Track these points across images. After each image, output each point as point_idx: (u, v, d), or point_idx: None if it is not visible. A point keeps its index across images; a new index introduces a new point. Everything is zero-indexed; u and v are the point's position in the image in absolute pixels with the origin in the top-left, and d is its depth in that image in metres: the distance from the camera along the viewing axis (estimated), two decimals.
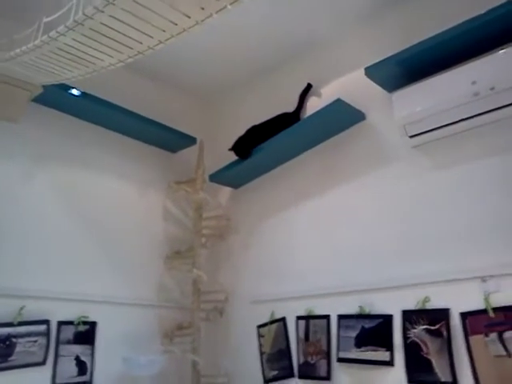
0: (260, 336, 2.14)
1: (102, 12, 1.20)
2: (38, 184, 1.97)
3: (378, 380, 1.71)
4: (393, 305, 1.72)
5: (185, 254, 2.32)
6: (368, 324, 1.77)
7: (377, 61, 1.80)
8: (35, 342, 1.78)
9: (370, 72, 1.84)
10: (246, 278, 2.31)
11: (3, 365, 1.69)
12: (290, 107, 2.24)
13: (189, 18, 1.22)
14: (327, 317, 1.91)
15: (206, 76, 2.54)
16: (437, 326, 1.59)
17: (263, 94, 2.51)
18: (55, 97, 1.97)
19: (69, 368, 1.87)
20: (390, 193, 1.87)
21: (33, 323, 1.79)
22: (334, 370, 1.84)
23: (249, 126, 2.28)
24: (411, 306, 1.67)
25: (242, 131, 2.28)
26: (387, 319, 1.73)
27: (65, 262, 1.97)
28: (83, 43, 1.34)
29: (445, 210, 1.71)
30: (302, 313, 1.99)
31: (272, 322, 2.10)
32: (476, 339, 1.50)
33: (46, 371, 1.80)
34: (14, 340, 1.73)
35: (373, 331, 1.75)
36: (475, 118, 1.62)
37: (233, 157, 2.29)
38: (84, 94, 2.02)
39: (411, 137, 1.77)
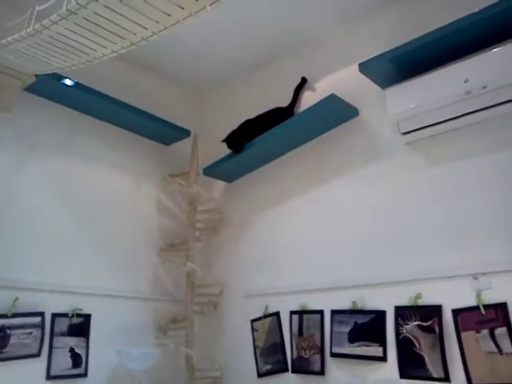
0: (254, 330, 2.15)
1: (96, 1, 1.19)
2: (30, 174, 1.95)
3: (371, 375, 1.72)
4: (385, 301, 1.72)
5: (179, 247, 2.32)
6: (361, 319, 1.78)
7: (371, 57, 1.79)
8: (30, 333, 1.77)
9: (364, 68, 1.84)
10: (239, 272, 2.31)
11: None
12: (285, 101, 2.23)
13: (182, 9, 1.21)
14: (321, 312, 1.91)
15: (200, 69, 2.52)
16: (429, 323, 1.60)
17: (258, 88, 2.49)
18: (48, 86, 1.95)
19: (63, 360, 1.86)
20: (382, 189, 1.87)
21: (27, 315, 1.78)
22: (328, 364, 1.85)
23: (243, 119, 2.27)
24: (404, 302, 1.68)
25: (236, 125, 2.27)
26: (380, 315, 1.73)
27: (59, 254, 1.96)
28: (76, 32, 1.33)
29: (437, 207, 1.71)
30: (296, 307, 2.00)
31: (266, 316, 2.10)
32: (468, 335, 1.51)
33: (40, 363, 1.79)
34: (8, 331, 1.71)
35: (366, 327, 1.76)
36: (467, 116, 1.63)
37: (226, 150, 2.28)
38: (77, 84, 2.00)
39: (404, 134, 1.77)
